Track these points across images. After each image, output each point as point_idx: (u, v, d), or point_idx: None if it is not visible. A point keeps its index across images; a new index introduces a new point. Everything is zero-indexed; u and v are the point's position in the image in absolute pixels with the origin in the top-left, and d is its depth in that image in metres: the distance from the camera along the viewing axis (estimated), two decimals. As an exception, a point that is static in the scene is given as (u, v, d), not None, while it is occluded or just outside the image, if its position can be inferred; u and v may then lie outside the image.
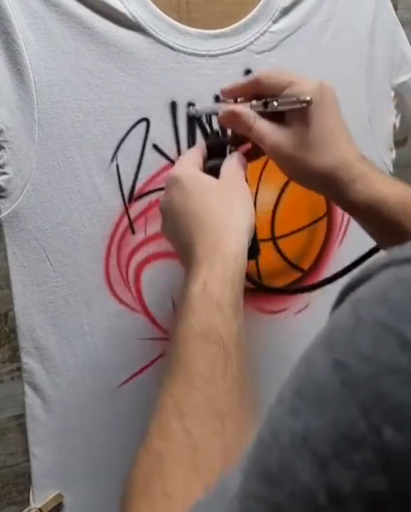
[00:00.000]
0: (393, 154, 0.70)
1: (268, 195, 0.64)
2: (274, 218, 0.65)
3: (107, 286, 0.59)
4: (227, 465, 0.33)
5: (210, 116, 0.55)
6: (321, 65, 0.63)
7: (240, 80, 0.53)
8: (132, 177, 0.57)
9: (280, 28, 0.60)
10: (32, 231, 0.55)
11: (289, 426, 0.22)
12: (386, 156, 0.69)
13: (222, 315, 0.40)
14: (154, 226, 0.59)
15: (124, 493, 0.36)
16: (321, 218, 0.67)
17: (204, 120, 0.56)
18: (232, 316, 0.41)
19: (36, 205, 0.55)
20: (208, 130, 0.57)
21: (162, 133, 0.58)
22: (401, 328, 0.21)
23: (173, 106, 0.57)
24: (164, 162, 0.58)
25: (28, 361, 0.58)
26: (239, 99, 0.53)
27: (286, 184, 0.64)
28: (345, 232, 0.68)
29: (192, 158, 0.51)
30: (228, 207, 0.46)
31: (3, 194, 0.54)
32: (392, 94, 0.68)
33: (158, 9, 0.56)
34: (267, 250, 0.64)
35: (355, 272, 0.26)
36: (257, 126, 0.50)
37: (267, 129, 0.50)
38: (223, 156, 0.51)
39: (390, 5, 0.67)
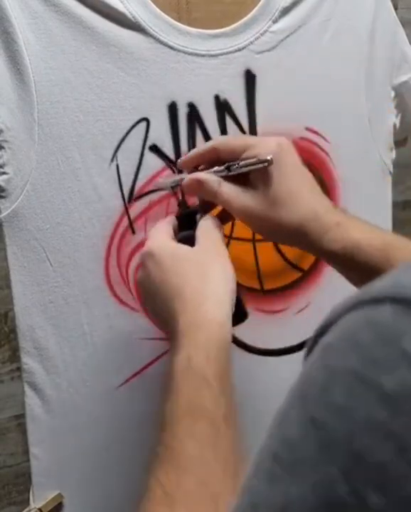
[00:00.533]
0: (393, 154, 0.70)
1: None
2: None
3: (107, 286, 0.59)
4: None
5: (176, 187, 0.54)
6: (321, 65, 0.63)
7: (197, 148, 0.53)
8: (132, 177, 0.57)
9: (280, 27, 0.60)
10: (32, 231, 0.55)
11: (268, 497, 0.21)
12: (386, 156, 0.69)
13: (209, 388, 0.39)
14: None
15: None
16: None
17: (170, 190, 0.56)
18: (219, 388, 0.39)
19: (36, 205, 0.55)
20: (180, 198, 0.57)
21: (162, 133, 0.58)
22: (375, 378, 0.19)
23: (173, 106, 0.57)
24: (164, 162, 0.58)
25: (28, 361, 0.58)
26: (200, 167, 0.53)
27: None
28: (345, 232, 0.68)
29: (163, 231, 0.50)
30: (205, 274, 0.45)
31: (3, 194, 0.54)
32: (393, 94, 0.68)
33: (158, 9, 0.56)
34: (266, 250, 0.64)
35: (328, 312, 0.24)
36: (221, 191, 0.50)
37: (232, 193, 0.50)
38: (194, 225, 0.51)
39: (390, 5, 0.66)
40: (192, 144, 0.59)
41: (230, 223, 0.59)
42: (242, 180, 0.50)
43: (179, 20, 0.57)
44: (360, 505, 0.18)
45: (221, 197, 0.50)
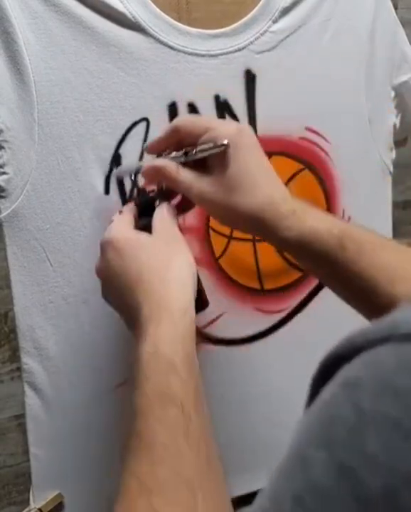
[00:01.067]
0: (393, 154, 0.70)
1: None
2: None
3: (107, 286, 0.59)
4: None
5: (136, 175, 0.54)
6: (321, 65, 0.63)
7: (161, 133, 0.53)
8: (132, 177, 0.57)
9: (280, 27, 0.60)
10: (32, 231, 0.55)
11: None
12: (386, 156, 0.69)
13: (177, 375, 0.39)
14: (154, 226, 0.59)
15: None
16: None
17: (130, 178, 0.55)
18: (187, 374, 0.39)
19: (36, 205, 0.55)
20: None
21: (162, 133, 0.58)
22: None
23: (173, 106, 0.57)
24: (164, 162, 0.58)
25: (28, 361, 0.58)
26: (164, 153, 0.53)
27: (286, 183, 0.64)
28: (345, 232, 0.68)
29: (123, 219, 0.50)
30: (165, 261, 0.45)
31: (3, 194, 0.54)
32: (393, 94, 0.68)
33: (158, 9, 0.56)
34: (267, 250, 0.64)
35: (342, 340, 0.23)
36: (180, 177, 0.49)
37: (190, 179, 0.49)
38: (153, 212, 0.51)
39: (390, 5, 0.66)
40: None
41: None
42: (202, 165, 0.50)
43: (179, 20, 0.57)
44: None
45: (180, 183, 0.49)
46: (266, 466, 0.65)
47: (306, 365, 0.28)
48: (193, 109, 0.58)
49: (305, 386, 0.24)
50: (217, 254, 0.63)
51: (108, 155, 0.56)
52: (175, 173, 0.49)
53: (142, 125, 0.57)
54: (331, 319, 0.63)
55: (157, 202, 0.52)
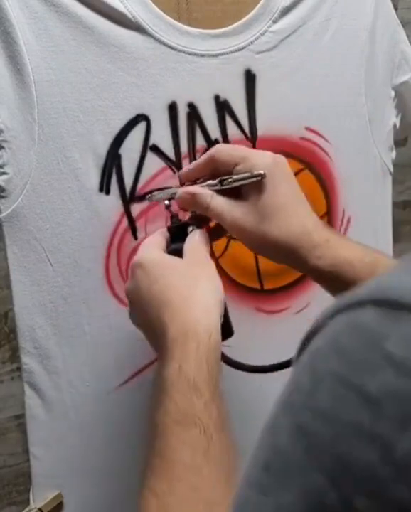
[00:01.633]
0: (393, 154, 0.70)
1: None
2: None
3: (107, 286, 0.59)
4: None
5: (169, 200, 0.55)
6: (320, 65, 0.63)
7: (196, 161, 0.54)
8: (132, 177, 0.57)
9: (280, 27, 0.60)
10: (32, 231, 0.55)
11: (260, 507, 0.21)
12: (386, 156, 0.69)
13: (200, 397, 0.39)
14: (154, 226, 0.59)
15: None
16: (320, 217, 0.67)
17: (164, 204, 0.55)
18: (210, 396, 0.40)
19: (36, 205, 0.55)
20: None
21: (162, 133, 0.58)
22: (359, 381, 0.19)
23: (173, 106, 0.57)
24: (164, 162, 0.58)
25: (28, 361, 0.58)
26: (197, 181, 0.54)
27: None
28: (345, 231, 0.68)
29: (154, 242, 0.51)
30: (193, 285, 0.46)
31: (3, 194, 0.54)
32: (393, 94, 0.68)
33: (158, 9, 0.55)
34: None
35: (314, 321, 0.24)
36: (214, 204, 0.50)
37: (224, 206, 0.50)
38: (185, 238, 0.51)
39: (390, 5, 0.67)
40: (192, 144, 0.59)
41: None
42: (235, 193, 0.51)
43: (179, 20, 0.57)
44: (348, 511, 0.18)
45: (213, 210, 0.51)
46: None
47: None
48: (193, 109, 0.58)
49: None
50: (218, 254, 0.63)
51: (108, 155, 0.56)
52: (208, 200, 0.51)
53: (142, 125, 0.57)
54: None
55: (190, 228, 0.53)
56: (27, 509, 0.61)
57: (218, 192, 0.51)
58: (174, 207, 0.55)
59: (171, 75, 0.57)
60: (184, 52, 0.57)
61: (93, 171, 0.56)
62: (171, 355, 0.42)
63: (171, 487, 0.36)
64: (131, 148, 0.57)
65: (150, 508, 0.36)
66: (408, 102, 0.70)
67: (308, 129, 0.63)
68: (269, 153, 0.51)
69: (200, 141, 0.59)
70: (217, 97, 0.59)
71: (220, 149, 0.53)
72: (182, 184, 0.56)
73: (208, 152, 0.53)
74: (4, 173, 0.54)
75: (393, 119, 0.69)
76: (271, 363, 0.54)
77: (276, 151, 0.52)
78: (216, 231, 0.55)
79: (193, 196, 0.51)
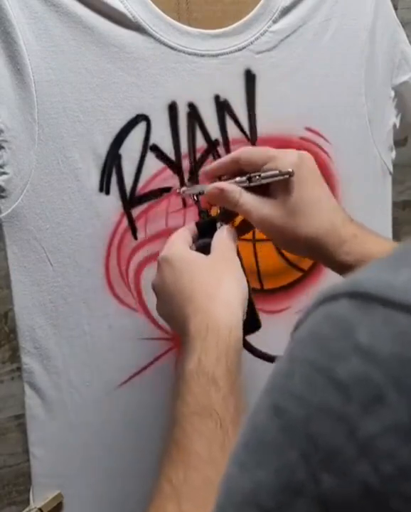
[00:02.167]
0: (393, 154, 0.70)
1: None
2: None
3: (107, 286, 0.59)
4: None
5: (198, 195, 0.56)
6: (320, 65, 0.63)
7: (221, 159, 0.55)
8: (132, 177, 0.57)
9: (280, 27, 0.60)
10: (32, 231, 0.55)
11: (239, 483, 0.22)
12: (386, 156, 0.69)
13: (218, 390, 0.41)
14: (154, 226, 0.59)
15: None
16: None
17: (193, 199, 0.57)
18: (228, 390, 0.41)
19: (36, 205, 0.55)
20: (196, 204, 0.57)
21: (162, 133, 0.58)
22: (330, 367, 0.21)
23: (173, 106, 0.57)
24: (164, 162, 0.58)
25: (28, 361, 0.58)
26: (223, 177, 0.55)
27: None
28: (345, 232, 0.68)
29: (181, 238, 0.52)
30: (217, 281, 0.47)
31: (3, 194, 0.54)
32: (393, 94, 0.68)
33: (158, 9, 0.55)
34: (267, 250, 0.64)
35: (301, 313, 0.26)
36: (242, 200, 0.51)
37: (253, 203, 0.51)
38: (213, 233, 0.52)
39: (390, 5, 0.66)
40: (192, 144, 0.59)
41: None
42: (262, 190, 0.52)
43: (179, 20, 0.57)
44: (316, 487, 0.19)
45: (242, 207, 0.52)
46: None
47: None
48: (193, 109, 0.58)
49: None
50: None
51: (108, 155, 0.56)
52: (238, 197, 0.52)
53: (142, 125, 0.57)
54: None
55: (218, 224, 0.53)
56: (27, 509, 0.61)
57: (246, 189, 0.52)
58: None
59: (171, 75, 0.57)
60: (184, 52, 0.57)
61: (93, 171, 0.56)
62: (192, 349, 0.43)
63: (186, 476, 0.37)
64: (131, 148, 0.57)
65: (163, 494, 0.37)
66: (408, 102, 0.70)
67: (308, 129, 0.63)
68: (294, 151, 0.52)
69: (200, 141, 0.59)
70: (217, 97, 0.59)
71: (246, 150, 0.54)
72: (184, 183, 0.56)
73: (233, 153, 0.54)
74: (4, 173, 0.54)
75: (393, 119, 0.69)
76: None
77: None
78: (242, 228, 0.56)
79: (223, 192, 0.52)
